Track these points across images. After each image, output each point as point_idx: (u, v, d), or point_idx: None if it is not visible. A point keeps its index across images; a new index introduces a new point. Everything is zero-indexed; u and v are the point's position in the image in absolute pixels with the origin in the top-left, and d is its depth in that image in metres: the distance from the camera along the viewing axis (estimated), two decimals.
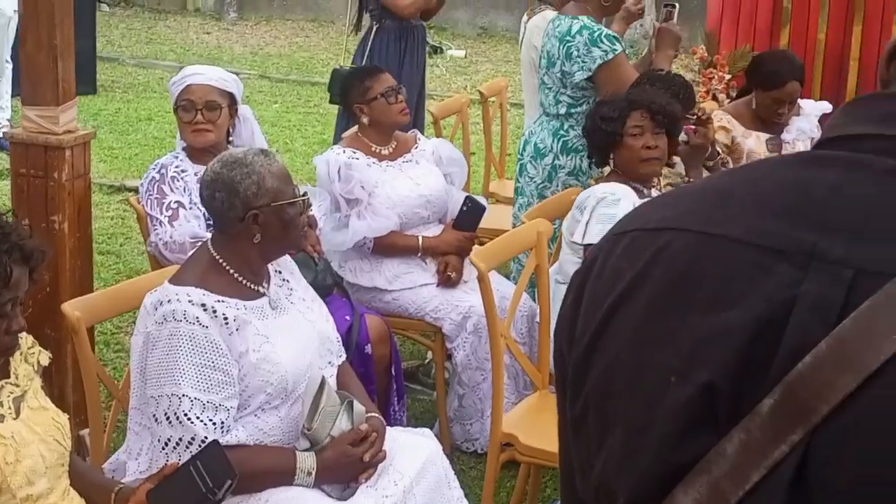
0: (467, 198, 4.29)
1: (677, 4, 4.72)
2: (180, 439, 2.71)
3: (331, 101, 5.82)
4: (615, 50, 4.15)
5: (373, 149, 4.24)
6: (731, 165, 4.58)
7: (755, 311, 0.82)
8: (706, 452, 0.82)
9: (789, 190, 0.88)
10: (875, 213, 0.81)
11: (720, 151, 4.48)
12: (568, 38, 4.20)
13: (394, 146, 4.31)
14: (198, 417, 2.71)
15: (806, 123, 4.92)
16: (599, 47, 4.15)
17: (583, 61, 4.18)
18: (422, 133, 4.94)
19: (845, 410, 0.77)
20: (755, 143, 4.79)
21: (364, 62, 5.60)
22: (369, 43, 5.73)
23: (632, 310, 0.90)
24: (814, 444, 0.78)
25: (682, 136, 4.22)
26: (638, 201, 3.50)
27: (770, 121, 4.83)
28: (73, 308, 2.91)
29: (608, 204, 3.53)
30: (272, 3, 13.27)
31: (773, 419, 0.80)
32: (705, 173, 4.50)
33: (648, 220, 0.95)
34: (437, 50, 11.65)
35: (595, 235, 3.47)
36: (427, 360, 4.66)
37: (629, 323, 0.90)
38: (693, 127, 4.24)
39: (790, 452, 0.79)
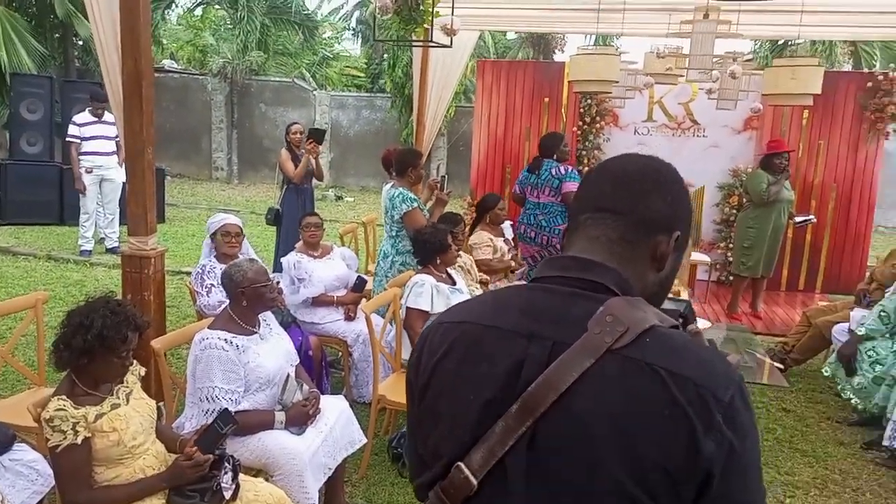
0: (358, 276, 5.27)
1: (446, 175, 5.82)
2: (213, 409, 3.02)
3: (266, 223, 7.20)
4: (413, 206, 5.01)
5: (309, 252, 5.20)
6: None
7: (508, 362, 1.05)
8: (487, 432, 1.04)
9: (521, 302, 1.12)
10: (562, 313, 1.06)
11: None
12: (391, 198, 5.09)
13: (320, 251, 5.25)
14: (222, 398, 3.04)
15: (508, 232, 6.61)
16: (405, 203, 5.02)
17: (398, 210, 5.04)
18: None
19: (551, 409, 0.99)
20: (499, 243, 6.27)
21: (280, 206, 6.99)
22: (282, 195, 7.08)
23: (448, 363, 1.13)
24: (538, 426, 1.00)
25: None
26: (435, 283, 4.35)
27: (497, 223, 6.28)
28: (156, 343, 3.31)
29: (419, 285, 4.36)
30: (259, 173, 18.06)
31: (518, 414, 1.02)
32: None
33: (454, 317, 1.18)
34: (339, 198, 15.86)
35: (410, 301, 4.29)
36: (339, 356, 5.34)
37: (447, 369, 1.13)
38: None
39: (526, 430, 1.00)
